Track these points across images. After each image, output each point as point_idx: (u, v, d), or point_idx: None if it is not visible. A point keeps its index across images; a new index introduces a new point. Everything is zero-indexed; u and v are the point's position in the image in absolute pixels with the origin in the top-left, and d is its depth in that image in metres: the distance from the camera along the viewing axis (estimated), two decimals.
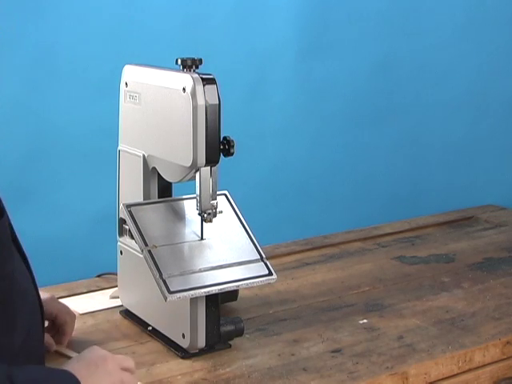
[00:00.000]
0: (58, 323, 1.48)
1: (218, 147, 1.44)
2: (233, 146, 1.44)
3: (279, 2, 2.22)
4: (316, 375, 1.40)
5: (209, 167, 1.45)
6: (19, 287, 1.19)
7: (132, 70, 1.60)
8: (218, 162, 1.45)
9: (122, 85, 1.61)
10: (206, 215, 1.47)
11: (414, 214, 2.41)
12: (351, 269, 1.97)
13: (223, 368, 1.43)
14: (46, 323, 1.44)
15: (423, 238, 2.23)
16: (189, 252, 1.48)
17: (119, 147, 1.65)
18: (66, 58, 1.93)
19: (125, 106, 1.61)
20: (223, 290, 1.44)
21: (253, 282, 1.47)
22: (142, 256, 1.46)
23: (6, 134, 1.88)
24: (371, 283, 1.87)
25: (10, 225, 1.21)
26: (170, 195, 1.62)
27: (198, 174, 1.45)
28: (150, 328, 1.57)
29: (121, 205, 1.53)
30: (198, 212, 1.47)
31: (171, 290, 1.39)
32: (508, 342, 1.56)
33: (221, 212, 1.50)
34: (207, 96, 1.41)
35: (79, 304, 1.72)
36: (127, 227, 1.56)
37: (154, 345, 1.53)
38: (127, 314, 1.65)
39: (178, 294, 1.39)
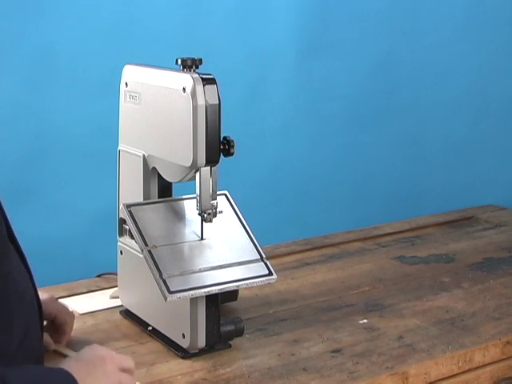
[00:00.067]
0: (58, 323, 1.48)
1: (217, 147, 1.44)
2: (233, 146, 1.44)
3: (279, 2, 2.22)
4: (316, 375, 1.40)
5: (209, 167, 1.45)
6: (17, 287, 1.19)
7: (132, 70, 1.60)
8: (217, 162, 1.45)
9: (122, 85, 1.61)
10: (206, 215, 1.47)
11: (414, 214, 2.41)
12: (351, 269, 1.97)
13: (223, 368, 1.43)
14: (45, 323, 1.44)
15: (423, 237, 2.23)
16: (189, 252, 1.48)
17: (119, 147, 1.65)
18: (66, 57, 1.93)
19: (125, 105, 1.61)
20: (223, 290, 1.44)
21: (253, 282, 1.47)
22: (142, 256, 1.46)
23: (6, 134, 1.88)
24: (371, 283, 1.87)
25: (6, 225, 1.21)
26: (170, 195, 1.62)
27: (198, 174, 1.45)
28: (150, 328, 1.57)
29: (121, 205, 1.53)
30: (198, 212, 1.47)
31: (171, 289, 1.39)
32: (508, 342, 1.56)
33: (221, 212, 1.50)
34: (207, 96, 1.41)
35: (79, 304, 1.71)
36: (127, 227, 1.56)
37: (154, 345, 1.53)
38: (127, 314, 1.65)
39: (178, 294, 1.39)
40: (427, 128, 2.58)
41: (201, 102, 1.40)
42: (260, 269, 1.49)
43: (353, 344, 1.53)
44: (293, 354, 1.49)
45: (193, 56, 1.47)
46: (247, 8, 2.17)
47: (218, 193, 1.48)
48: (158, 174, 1.57)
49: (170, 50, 1.71)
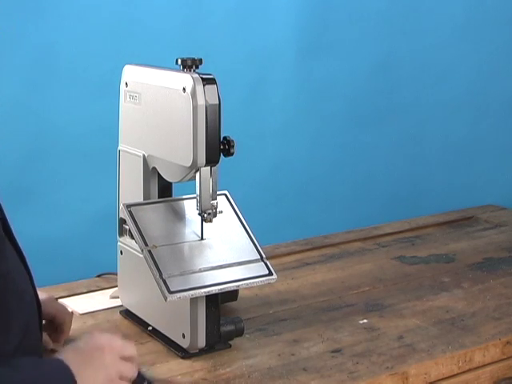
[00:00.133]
0: (57, 323, 1.48)
1: (218, 147, 1.44)
2: (233, 146, 1.44)
3: (279, 2, 2.22)
4: (316, 375, 1.40)
5: (209, 167, 1.45)
6: (17, 288, 1.18)
7: (132, 70, 1.60)
8: (218, 162, 1.45)
9: (122, 85, 1.61)
10: (206, 215, 1.47)
11: (414, 214, 2.41)
12: (351, 269, 1.97)
13: (223, 368, 1.43)
14: (43, 322, 1.43)
15: (423, 237, 2.23)
16: (189, 252, 1.48)
17: (119, 147, 1.65)
18: (66, 57, 1.93)
19: (125, 105, 1.61)
20: (223, 290, 1.44)
21: (253, 282, 1.47)
22: (142, 256, 1.46)
23: (6, 134, 1.88)
24: (371, 283, 1.87)
25: (5, 224, 1.20)
26: (170, 195, 1.62)
27: (198, 174, 1.45)
28: (150, 328, 1.57)
29: (121, 205, 1.53)
30: (198, 212, 1.47)
31: (171, 289, 1.39)
32: (508, 342, 1.56)
33: (221, 212, 1.50)
34: (207, 96, 1.41)
35: (79, 304, 1.71)
36: (127, 227, 1.56)
37: (154, 345, 1.53)
38: (127, 313, 1.65)
39: (178, 294, 1.39)
40: (427, 128, 2.58)
41: (201, 101, 1.40)
42: (260, 269, 1.49)
43: (353, 344, 1.53)
44: (293, 354, 1.49)
45: (193, 56, 1.47)
46: (247, 8, 2.17)
47: (218, 193, 1.48)
48: (158, 174, 1.57)
49: (169, 50, 1.71)
